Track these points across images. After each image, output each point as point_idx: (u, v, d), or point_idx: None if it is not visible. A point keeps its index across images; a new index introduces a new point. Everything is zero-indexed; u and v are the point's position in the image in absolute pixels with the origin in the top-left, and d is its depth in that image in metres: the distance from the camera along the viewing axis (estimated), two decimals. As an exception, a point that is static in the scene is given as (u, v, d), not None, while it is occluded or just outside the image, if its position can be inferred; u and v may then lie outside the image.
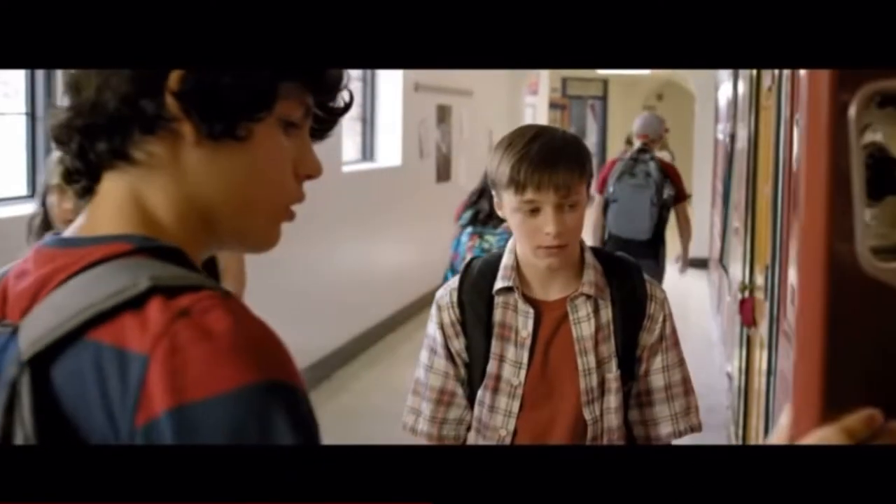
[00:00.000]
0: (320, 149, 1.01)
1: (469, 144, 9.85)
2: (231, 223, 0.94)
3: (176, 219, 0.91)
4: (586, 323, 1.96)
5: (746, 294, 4.02)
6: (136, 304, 0.79)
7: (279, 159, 0.94)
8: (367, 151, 7.91)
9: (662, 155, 6.41)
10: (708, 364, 6.60)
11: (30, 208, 3.86)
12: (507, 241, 2.05)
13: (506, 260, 2.00)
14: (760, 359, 3.55)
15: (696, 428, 2.04)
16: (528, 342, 1.96)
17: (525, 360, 1.96)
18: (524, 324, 1.97)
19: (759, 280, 3.76)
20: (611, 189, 5.84)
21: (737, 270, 4.93)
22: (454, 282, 2.04)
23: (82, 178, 0.92)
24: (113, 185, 0.91)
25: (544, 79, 15.89)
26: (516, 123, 7.13)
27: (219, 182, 0.91)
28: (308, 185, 0.99)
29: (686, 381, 2.03)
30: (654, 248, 5.72)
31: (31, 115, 3.94)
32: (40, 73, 3.90)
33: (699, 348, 6.95)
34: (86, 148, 0.90)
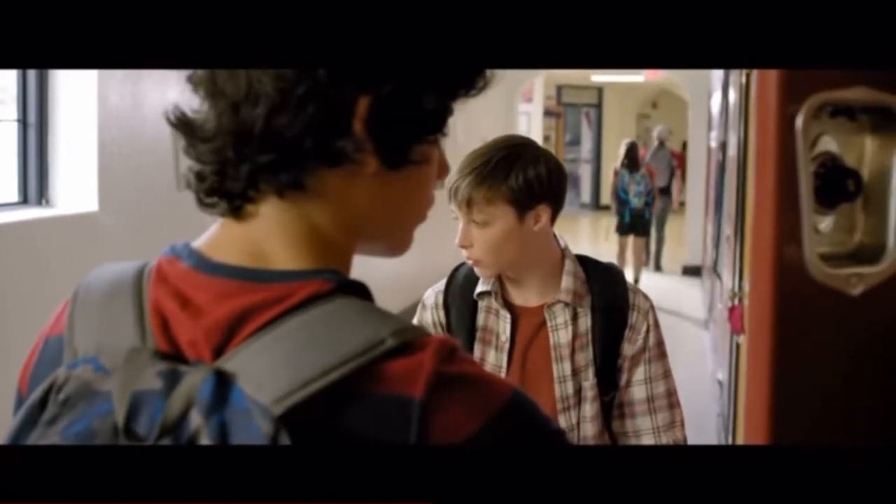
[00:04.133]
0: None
1: (463, 152, 9.73)
2: (383, 238, 0.92)
3: (343, 244, 0.88)
4: (563, 330, 1.95)
5: (736, 301, 4.00)
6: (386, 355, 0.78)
7: (434, 173, 0.91)
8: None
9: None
10: (700, 371, 6.61)
11: (22, 215, 3.87)
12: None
13: (487, 266, 2.01)
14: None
15: (680, 442, 1.99)
16: (507, 346, 1.97)
17: (504, 364, 1.96)
18: (503, 328, 1.98)
19: (749, 287, 3.75)
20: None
21: (728, 278, 4.93)
22: (441, 285, 2.06)
23: (235, 200, 0.84)
24: (278, 212, 0.84)
25: (539, 86, 15.86)
26: (510, 131, 7.11)
27: (385, 205, 0.88)
28: None
29: (671, 394, 2.00)
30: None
31: (23, 122, 3.94)
32: (32, 80, 3.89)
33: (692, 356, 6.96)
34: (255, 176, 0.82)
